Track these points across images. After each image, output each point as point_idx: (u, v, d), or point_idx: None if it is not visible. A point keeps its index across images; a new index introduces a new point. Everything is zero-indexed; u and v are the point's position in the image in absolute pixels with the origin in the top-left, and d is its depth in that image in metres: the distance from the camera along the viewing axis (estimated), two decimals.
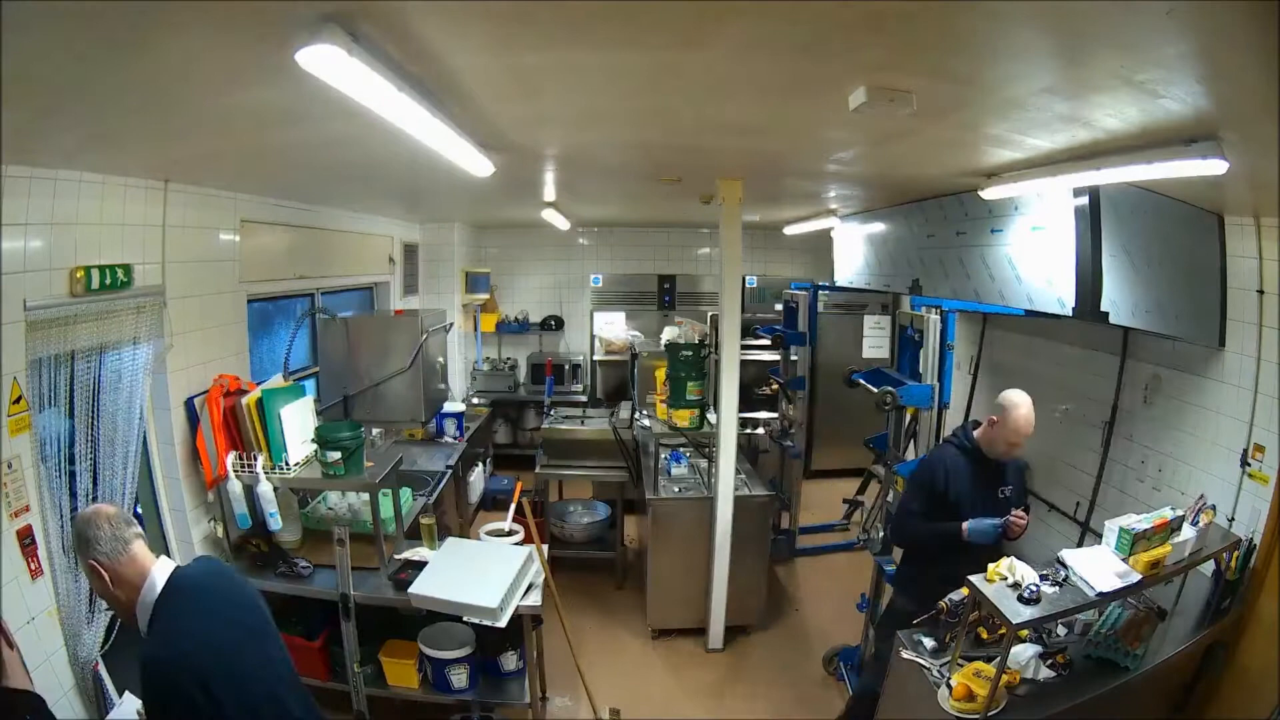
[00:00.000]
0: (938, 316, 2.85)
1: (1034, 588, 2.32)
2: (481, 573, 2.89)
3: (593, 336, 7.00)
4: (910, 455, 3.39)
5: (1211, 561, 2.77)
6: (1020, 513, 2.62)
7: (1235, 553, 2.75)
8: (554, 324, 7.34)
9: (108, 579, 1.59)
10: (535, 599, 2.92)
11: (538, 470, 4.75)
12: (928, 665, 2.55)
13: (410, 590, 2.84)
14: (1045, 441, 4.44)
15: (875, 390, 3.03)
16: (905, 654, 2.61)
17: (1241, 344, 2.95)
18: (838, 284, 5.88)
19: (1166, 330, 2.97)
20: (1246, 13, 1.19)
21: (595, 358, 6.91)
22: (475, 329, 6.98)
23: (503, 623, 2.76)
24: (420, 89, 1.69)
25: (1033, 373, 4.64)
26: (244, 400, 3.01)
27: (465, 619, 2.80)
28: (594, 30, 1.44)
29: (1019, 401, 2.64)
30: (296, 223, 4.06)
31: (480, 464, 5.65)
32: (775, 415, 5.60)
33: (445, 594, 2.81)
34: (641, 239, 7.40)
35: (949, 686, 2.35)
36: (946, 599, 2.50)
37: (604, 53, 1.59)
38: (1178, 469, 3.30)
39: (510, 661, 3.14)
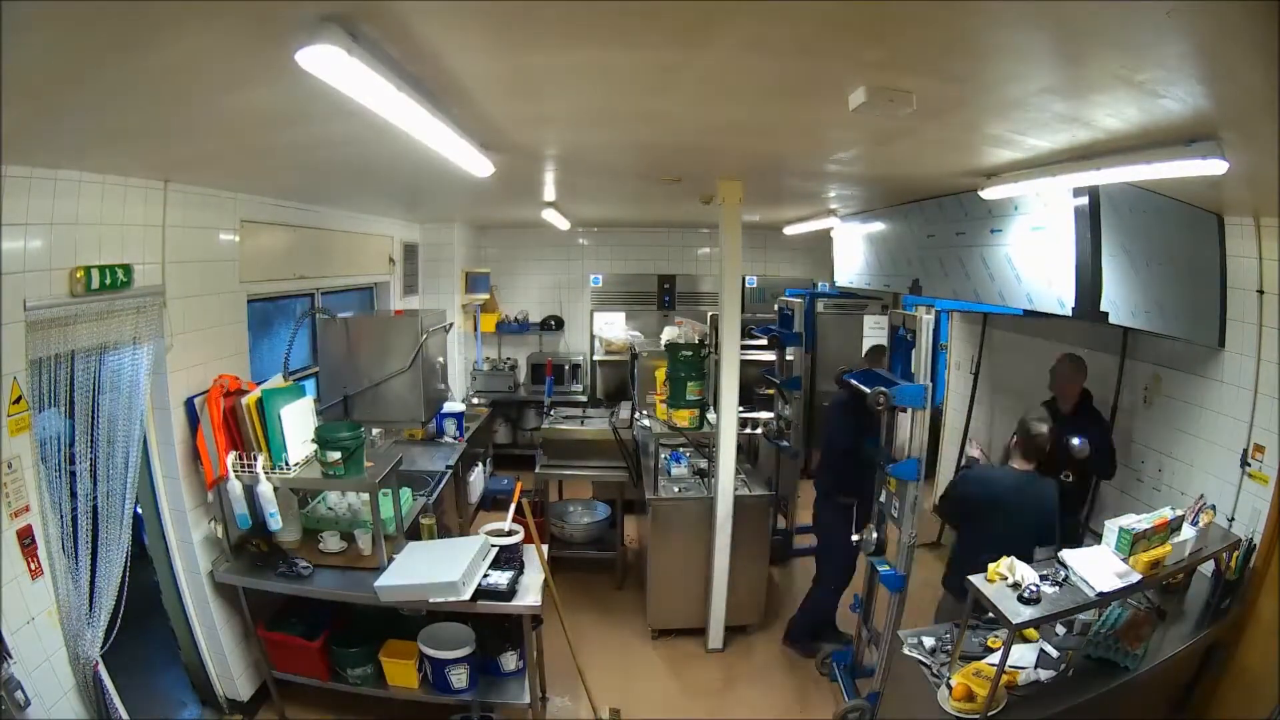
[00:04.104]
0: (930, 316, 2.84)
1: (1034, 588, 2.32)
2: (442, 561, 2.94)
3: (593, 336, 6.99)
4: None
5: (1211, 561, 2.78)
6: None
7: (1235, 553, 2.75)
8: (554, 324, 7.34)
9: None
10: (535, 599, 2.92)
11: (538, 470, 4.74)
12: (928, 664, 2.55)
13: (376, 585, 2.87)
14: None
15: (868, 390, 3.03)
16: (906, 652, 2.62)
17: (1241, 344, 2.96)
18: (836, 286, 5.88)
19: (1166, 330, 2.97)
20: (1246, 13, 1.19)
21: (595, 358, 6.91)
22: (475, 329, 6.98)
23: (466, 596, 2.80)
24: (420, 89, 1.69)
25: (1033, 373, 4.65)
26: (244, 400, 3.01)
27: (431, 600, 2.83)
28: (594, 30, 1.44)
29: None
30: (296, 223, 4.06)
31: (480, 464, 5.64)
32: (772, 415, 5.60)
33: (408, 581, 2.87)
34: (641, 239, 7.40)
35: (949, 686, 2.35)
36: None
37: (604, 53, 1.59)
38: (1178, 469, 3.31)
39: (510, 661, 3.14)
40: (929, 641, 2.66)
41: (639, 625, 4.18)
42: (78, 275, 2.39)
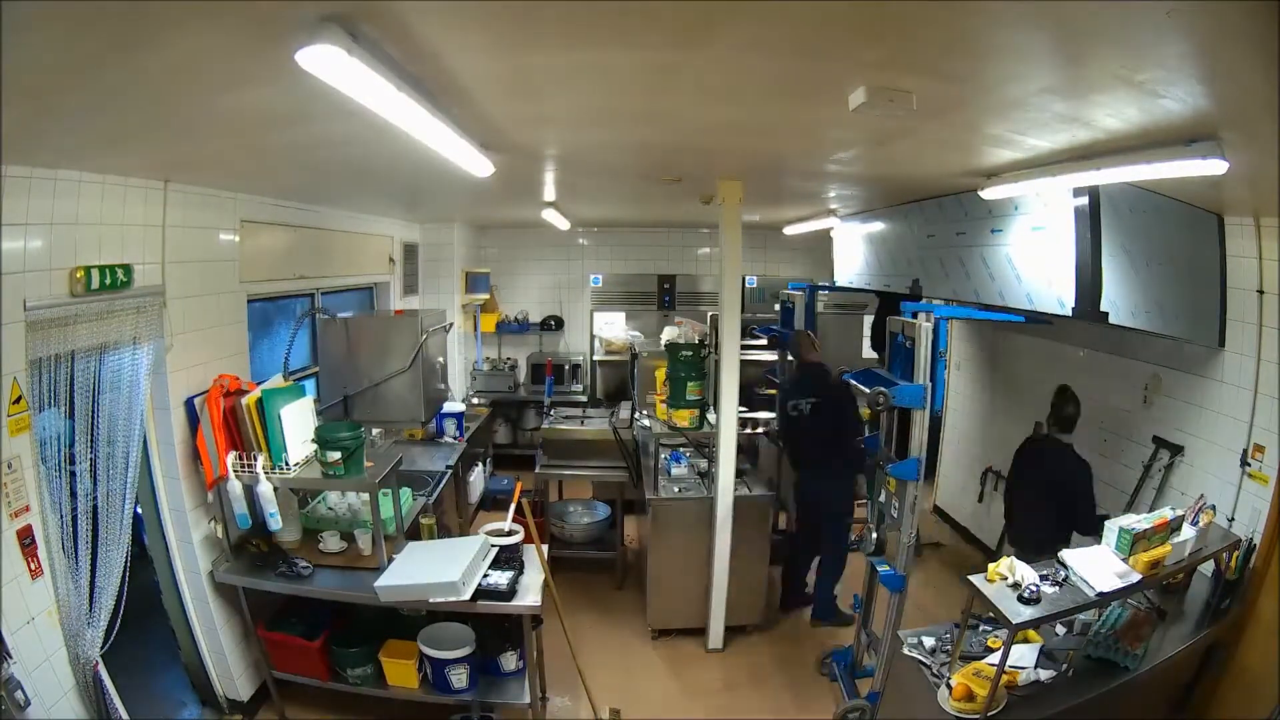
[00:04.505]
0: (930, 325, 2.86)
1: (1034, 588, 2.32)
2: (442, 561, 2.94)
3: (593, 336, 6.99)
4: None
5: (1211, 561, 2.78)
6: None
7: (1235, 553, 2.76)
8: (554, 324, 7.34)
9: None
10: (535, 599, 2.92)
11: (538, 470, 4.74)
12: (928, 664, 2.55)
13: (376, 585, 2.87)
14: None
15: (867, 390, 3.03)
16: (906, 653, 2.62)
17: (1241, 344, 2.96)
18: (836, 284, 5.88)
19: (1166, 330, 2.97)
20: (1246, 13, 1.19)
21: (595, 358, 6.90)
22: (475, 329, 6.97)
23: (466, 596, 2.80)
24: (420, 89, 1.69)
25: (1033, 372, 4.65)
26: (244, 400, 3.01)
27: (431, 600, 2.83)
28: (594, 30, 1.44)
29: None
30: (296, 223, 4.06)
31: (480, 464, 5.64)
32: (773, 415, 5.59)
33: (409, 580, 2.87)
34: (641, 239, 7.39)
35: (949, 686, 2.35)
36: None
37: (604, 53, 1.59)
38: (1178, 469, 3.31)
39: (510, 661, 3.14)
40: (929, 641, 2.66)
41: (639, 625, 4.18)
42: (78, 275, 2.39)
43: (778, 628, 4.25)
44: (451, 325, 5.59)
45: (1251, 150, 1.93)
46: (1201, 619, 2.75)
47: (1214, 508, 2.73)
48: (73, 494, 2.44)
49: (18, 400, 2.22)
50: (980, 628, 2.74)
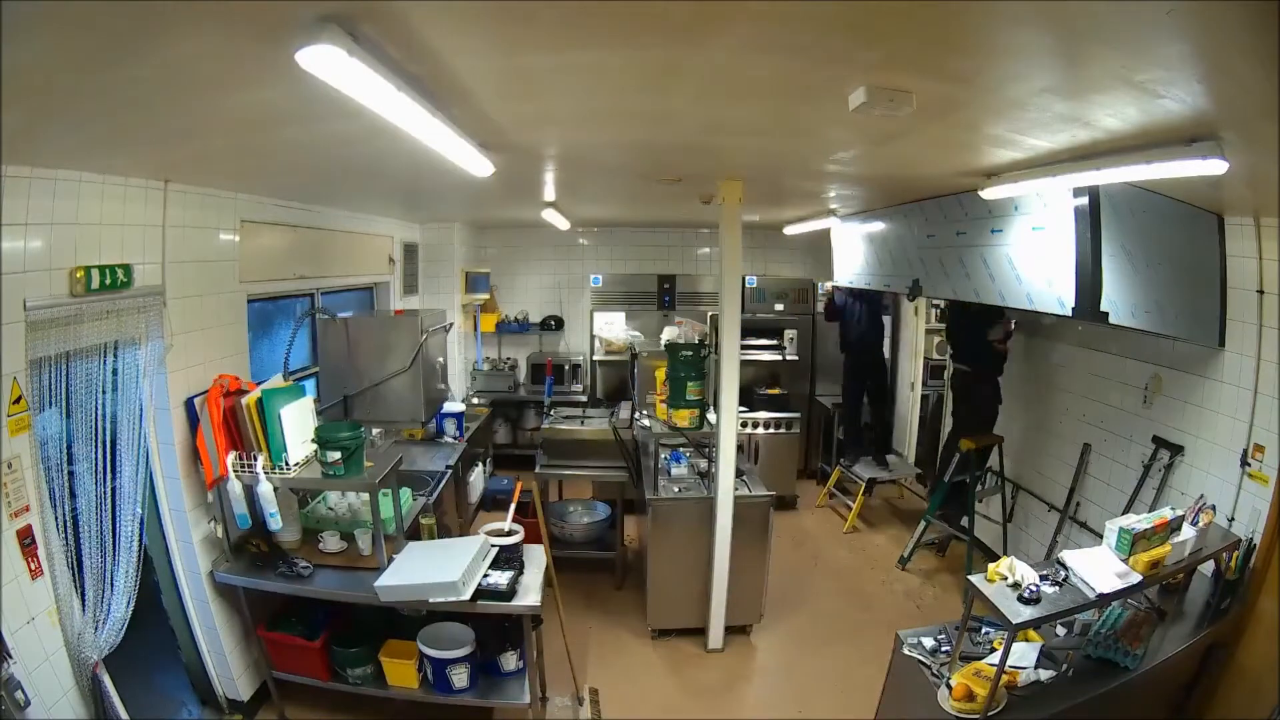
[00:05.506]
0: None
1: (1034, 588, 2.32)
2: (442, 561, 2.94)
3: (593, 336, 6.98)
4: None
5: (1211, 561, 2.78)
6: None
7: (1235, 553, 2.76)
8: (554, 324, 7.34)
9: None
10: (535, 599, 2.93)
11: (538, 470, 4.74)
12: (928, 664, 2.55)
13: (376, 585, 2.87)
14: (1044, 441, 4.47)
15: None
16: (906, 653, 2.62)
17: (1241, 344, 2.96)
18: (836, 286, 5.90)
19: (1166, 330, 2.98)
20: (1246, 13, 1.19)
21: (595, 358, 6.90)
22: (475, 329, 6.97)
23: (466, 596, 2.80)
24: (420, 89, 1.69)
25: (1032, 373, 4.65)
26: (244, 400, 3.01)
27: (431, 600, 2.83)
28: (594, 30, 1.44)
29: None
30: (296, 223, 4.05)
31: (480, 464, 5.64)
32: (771, 416, 5.60)
33: (409, 580, 2.88)
34: (641, 239, 7.39)
35: (949, 686, 2.36)
36: None
37: (604, 53, 1.60)
38: (1178, 469, 3.31)
39: (510, 661, 3.14)
40: (929, 642, 2.66)
41: (639, 625, 4.18)
42: (78, 275, 2.39)
43: (778, 628, 4.25)
44: (451, 325, 5.60)
45: (1251, 150, 1.93)
46: (1201, 619, 2.75)
47: (1214, 508, 2.73)
48: (73, 494, 2.44)
49: (18, 400, 2.22)
50: (982, 629, 2.74)
